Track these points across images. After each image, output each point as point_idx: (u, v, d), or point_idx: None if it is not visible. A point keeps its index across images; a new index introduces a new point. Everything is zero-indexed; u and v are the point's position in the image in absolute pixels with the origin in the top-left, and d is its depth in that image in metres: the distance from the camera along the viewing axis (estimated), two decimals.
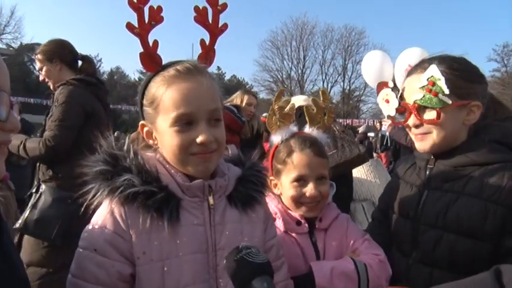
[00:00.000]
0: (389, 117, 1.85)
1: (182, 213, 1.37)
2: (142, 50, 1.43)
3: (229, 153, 1.69)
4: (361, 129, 17.41)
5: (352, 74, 49.74)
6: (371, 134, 18.66)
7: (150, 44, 1.43)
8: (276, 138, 1.90)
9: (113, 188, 1.33)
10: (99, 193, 1.34)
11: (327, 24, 51.23)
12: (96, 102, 3.58)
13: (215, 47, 1.53)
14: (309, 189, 1.76)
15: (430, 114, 1.66)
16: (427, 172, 1.80)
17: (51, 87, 3.67)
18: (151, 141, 1.47)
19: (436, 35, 72.30)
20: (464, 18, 78.96)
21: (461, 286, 1.09)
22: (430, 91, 1.63)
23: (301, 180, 1.77)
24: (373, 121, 25.22)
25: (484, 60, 44.11)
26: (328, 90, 48.76)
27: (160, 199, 1.33)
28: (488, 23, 75.66)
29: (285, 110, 1.90)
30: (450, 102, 1.62)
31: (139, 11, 1.40)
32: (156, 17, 1.43)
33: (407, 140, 4.93)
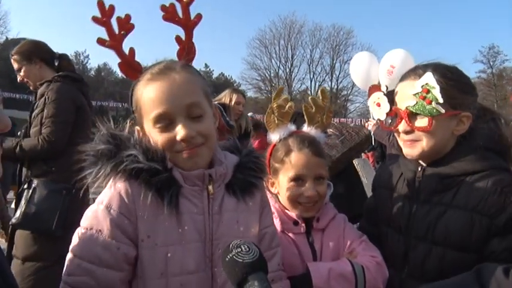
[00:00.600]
0: (379, 121, 1.84)
1: (182, 201, 1.36)
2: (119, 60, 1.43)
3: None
4: None
5: (339, 74, 50.04)
6: None
7: (126, 52, 1.44)
8: (274, 136, 1.88)
9: (116, 164, 1.31)
10: (102, 172, 1.32)
11: (315, 24, 51.48)
12: (82, 98, 3.64)
13: (193, 40, 1.53)
14: (307, 189, 1.75)
15: (421, 122, 1.65)
16: (416, 185, 1.77)
17: (32, 87, 3.70)
18: None
19: (423, 36, 73.04)
20: (451, 20, 79.78)
21: (443, 286, 1.11)
22: (423, 98, 1.62)
23: (299, 180, 1.76)
24: (361, 120, 25.45)
25: (470, 61, 44.67)
26: (316, 89, 48.88)
27: (165, 179, 1.33)
28: (475, 25, 76.57)
29: (284, 108, 1.88)
30: (443, 111, 1.61)
31: (106, 24, 1.40)
32: (126, 25, 1.43)
33: (390, 140, 4.97)
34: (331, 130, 2.09)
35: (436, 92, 1.61)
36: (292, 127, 1.91)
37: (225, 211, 1.44)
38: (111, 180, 1.34)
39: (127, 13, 1.44)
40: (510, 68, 46.44)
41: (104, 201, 1.33)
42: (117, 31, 1.42)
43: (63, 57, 3.80)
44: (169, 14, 1.48)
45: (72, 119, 3.45)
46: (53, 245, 3.22)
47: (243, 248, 1.17)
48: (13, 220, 3.32)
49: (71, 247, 1.33)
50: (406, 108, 1.67)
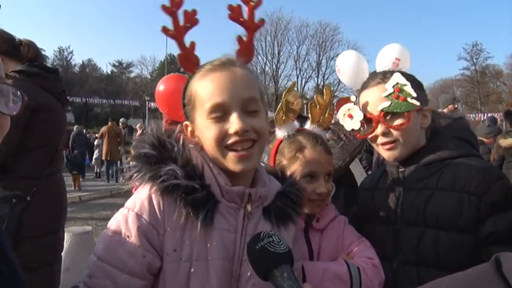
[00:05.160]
0: (353, 131, 1.82)
1: (216, 216, 1.32)
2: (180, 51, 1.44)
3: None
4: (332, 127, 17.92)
5: (326, 70, 50.50)
6: None
7: (187, 45, 1.45)
8: (281, 132, 1.87)
9: (155, 175, 1.29)
10: (140, 175, 1.31)
11: (302, 20, 51.60)
12: (42, 94, 3.10)
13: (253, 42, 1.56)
14: (319, 185, 1.74)
15: (398, 120, 1.73)
16: (400, 175, 1.84)
17: None
18: (194, 141, 1.44)
19: (408, 33, 73.71)
20: (436, 17, 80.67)
21: (462, 278, 1.08)
22: (397, 97, 1.70)
23: (311, 177, 1.74)
24: None
25: (454, 58, 45.33)
26: (302, 85, 49.18)
27: (201, 197, 1.30)
28: (458, 22, 77.53)
29: (293, 104, 1.87)
30: (419, 103, 1.69)
31: (173, 14, 1.41)
32: (191, 19, 1.45)
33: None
34: (328, 135, 2.08)
35: (409, 88, 1.70)
36: (297, 124, 1.90)
37: None
38: (146, 185, 1.31)
39: (194, 8, 1.45)
40: (493, 66, 47.29)
41: (136, 208, 1.30)
42: (182, 23, 1.43)
43: (22, 43, 3.18)
44: (235, 14, 1.50)
45: (22, 121, 2.89)
46: None
47: (275, 239, 1.17)
48: None
49: (96, 249, 1.32)
50: (382, 110, 1.73)
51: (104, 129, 17.42)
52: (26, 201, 2.95)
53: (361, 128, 1.85)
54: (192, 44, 1.46)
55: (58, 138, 3.36)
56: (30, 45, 3.22)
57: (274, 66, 51.05)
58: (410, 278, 1.67)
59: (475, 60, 47.24)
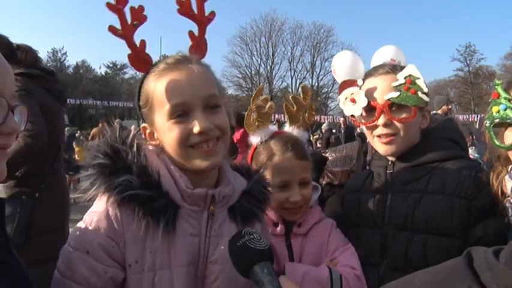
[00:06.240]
0: (352, 117, 1.73)
1: (179, 222, 1.31)
2: (129, 51, 1.40)
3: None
4: (325, 127, 18.19)
5: (320, 71, 50.36)
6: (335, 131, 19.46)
7: (137, 44, 1.41)
8: (255, 139, 1.81)
9: (110, 186, 1.26)
10: (95, 187, 1.28)
11: (296, 21, 51.30)
12: (45, 95, 3.28)
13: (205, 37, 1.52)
14: (292, 194, 1.68)
15: (402, 113, 1.66)
16: (388, 177, 1.79)
17: None
18: (153, 143, 1.42)
19: (403, 34, 73.96)
20: (430, 19, 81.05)
21: (435, 272, 1.11)
22: (408, 89, 1.62)
23: (284, 185, 1.68)
24: (345, 118, 25.66)
25: (448, 59, 45.50)
26: (297, 86, 49.07)
27: (159, 206, 1.27)
28: (452, 24, 77.96)
29: (264, 109, 1.82)
30: (428, 99, 1.65)
31: (119, 12, 1.36)
32: (139, 16, 1.40)
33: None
34: (332, 155, 2.05)
35: (421, 82, 1.63)
36: (274, 128, 1.85)
37: (225, 235, 1.35)
38: (103, 197, 1.29)
39: (140, 4, 1.41)
40: (486, 67, 47.51)
41: (93, 222, 1.28)
42: (129, 21, 1.39)
43: (20, 48, 3.27)
44: (184, 9, 1.46)
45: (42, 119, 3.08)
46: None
47: (256, 236, 1.18)
48: None
49: (58, 265, 1.30)
50: (388, 100, 1.66)
51: (94, 130, 17.21)
52: (35, 198, 3.11)
53: (363, 115, 1.77)
54: (142, 42, 1.42)
55: (60, 137, 3.55)
56: (28, 50, 3.30)
57: (268, 68, 50.96)
58: None
59: (468, 62, 47.49)
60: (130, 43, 1.39)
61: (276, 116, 14.70)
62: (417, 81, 1.63)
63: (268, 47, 50.71)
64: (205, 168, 1.34)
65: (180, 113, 1.30)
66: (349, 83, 1.81)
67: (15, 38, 3.29)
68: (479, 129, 12.00)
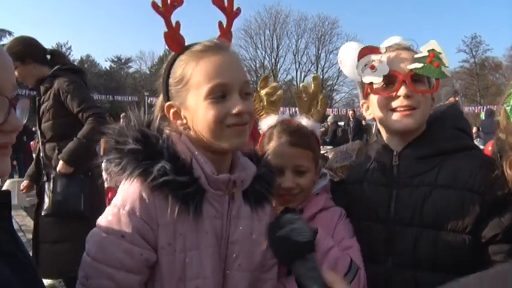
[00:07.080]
0: (369, 85, 1.68)
1: (205, 206, 1.35)
2: (166, 30, 1.44)
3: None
4: (330, 119, 17.43)
5: (325, 64, 50.07)
6: (341, 123, 18.94)
7: (173, 24, 1.45)
8: (264, 125, 1.83)
9: (145, 171, 1.28)
10: (127, 172, 1.30)
11: (301, 13, 50.99)
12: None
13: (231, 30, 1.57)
14: (284, 180, 1.67)
15: (424, 86, 1.63)
16: (394, 169, 1.70)
17: (30, 86, 3.85)
18: (179, 122, 1.43)
19: (408, 26, 73.38)
20: (435, 10, 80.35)
21: (483, 278, 1.06)
22: (431, 62, 1.58)
23: (277, 171, 1.66)
24: (346, 110, 25.54)
25: (453, 51, 45.12)
26: (302, 79, 48.98)
27: (191, 192, 1.31)
28: (458, 15, 77.26)
29: (273, 96, 1.83)
30: (449, 75, 1.63)
31: None
32: None
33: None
34: (333, 153, 2.06)
35: (443, 56, 1.60)
36: (284, 115, 1.85)
37: (242, 217, 1.44)
38: (134, 181, 1.31)
39: None
40: (492, 58, 47.14)
41: (126, 206, 1.30)
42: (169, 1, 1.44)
43: (54, 53, 3.95)
44: (218, 1, 1.53)
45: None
46: (77, 226, 3.39)
47: (297, 226, 1.17)
48: (44, 211, 3.62)
49: (88, 251, 1.32)
50: (411, 70, 1.60)
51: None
52: (89, 176, 3.65)
53: (382, 85, 1.66)
54: (178, 24, 1.46)
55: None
56: (62, 54, 4.24)
57: (273, 60, 50.79)
58: (406, 282, 1.58)
59: (474, 53, 47.04)
60: (168, 22, 1.44)
61: (281, 109, 14.63)
62: (440, 55, 1.60)
63: (272, 40, 50.56)
64: (235, 147, 1.40)
65: (219, 94, 1.33)
66: (370, 49, 1.73)
67: (19, 34, 3.69)
68: (485, 121, 11.93)
